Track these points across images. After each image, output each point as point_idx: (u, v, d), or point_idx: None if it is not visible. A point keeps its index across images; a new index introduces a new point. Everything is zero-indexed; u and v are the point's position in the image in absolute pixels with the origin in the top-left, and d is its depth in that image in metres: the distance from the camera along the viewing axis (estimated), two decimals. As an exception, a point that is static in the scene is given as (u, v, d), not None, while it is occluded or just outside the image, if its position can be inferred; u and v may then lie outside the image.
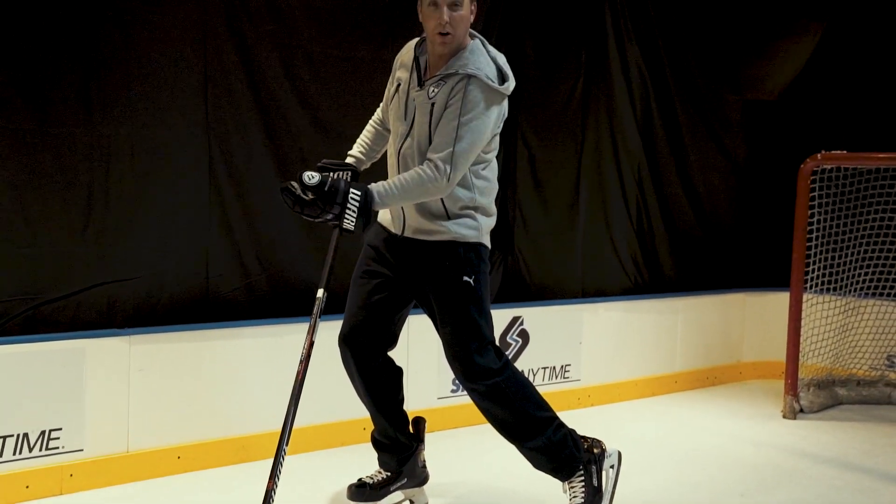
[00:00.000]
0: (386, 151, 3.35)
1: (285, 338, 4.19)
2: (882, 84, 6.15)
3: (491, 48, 3.17)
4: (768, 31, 6.38)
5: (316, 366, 4.34)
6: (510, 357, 4.95)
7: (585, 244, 5.65)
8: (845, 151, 5.23)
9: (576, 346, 5.36)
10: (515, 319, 5.02)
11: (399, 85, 3.19)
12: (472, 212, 3.17)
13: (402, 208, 3.18)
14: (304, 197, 2.96)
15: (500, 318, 4.83)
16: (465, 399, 4.77)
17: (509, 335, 5.01)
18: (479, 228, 3.19)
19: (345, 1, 4.53)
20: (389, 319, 3.29)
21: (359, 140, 3.43)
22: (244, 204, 4.26)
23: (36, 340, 3.58)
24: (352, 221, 2.97)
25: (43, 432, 3.54)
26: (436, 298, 3.18)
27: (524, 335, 5.05)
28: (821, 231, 5.39)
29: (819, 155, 5.19)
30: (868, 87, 6.19)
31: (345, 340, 3.31)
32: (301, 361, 3.11)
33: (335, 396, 4.26)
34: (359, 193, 2.96)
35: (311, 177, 2.94)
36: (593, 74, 5.62)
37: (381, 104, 3.38)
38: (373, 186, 3.01)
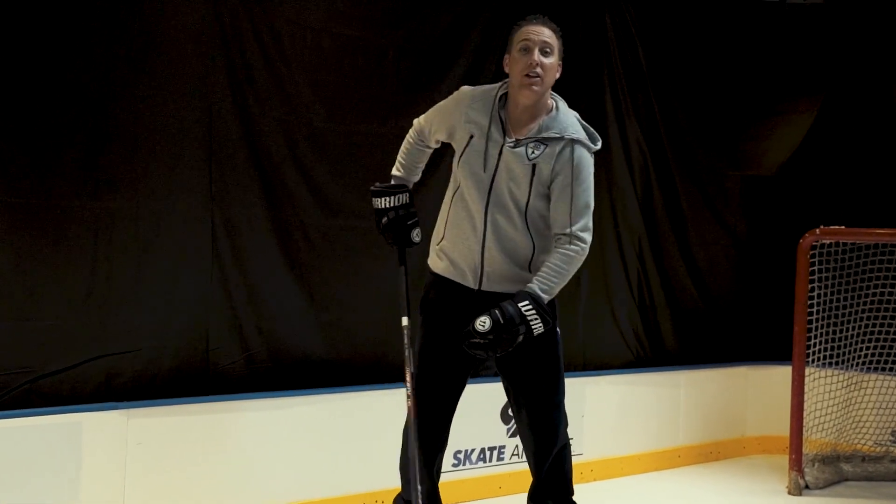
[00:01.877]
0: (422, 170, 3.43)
1: (286, 410, 4.16)
2: (879, 159, 6.21)
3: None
4: (766, 107, 6.48)
5: (311, 440, 4.32)
6: (510, 431, 4.94)
7: (587, 317, 5.64)
8: (844, 227, 5.26)
9: (578, 420, 5.30)
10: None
11: (472, 136, 3.11)
12: None
13: (482, 259, 3.12)
14: (491, 340, 2.95)
15: (502, 391, 4.79)
16: (465, 474, 4.74)
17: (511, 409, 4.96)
18: None
19: (349, 77, 4.62)
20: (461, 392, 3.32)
21: (401, 161, 3.39)
22: (245, 276, 4.27)
23: (33, 414, 3.54)
24: (539, 326, 3.00)
25: (37, 508, 3.49)
26: (527, 348, 3.10)
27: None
28: (822, 305, 5.38)
29: (818, 230, 5.22)
30: (866, 162, 6.25)
31: (427, 429, 3.24)
32: (409, 396, 3.14)
33: (332, 470, 4.23)
34: (527, 303, 2.97)
35: (483, 323, 2.95)
36: (593, 149, 5.68)
37: (424, 124, 3.30)
38: (533, 287, 3.01)
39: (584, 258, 3.10)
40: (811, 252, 5.27)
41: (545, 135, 3.05)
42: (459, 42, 5.04)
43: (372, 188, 3.34)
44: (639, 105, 5.92)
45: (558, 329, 3.25)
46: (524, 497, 4.64)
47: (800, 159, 6.43)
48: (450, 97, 3.25)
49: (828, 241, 5.33)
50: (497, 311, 2.94)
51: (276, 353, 4.35)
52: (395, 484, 4.45)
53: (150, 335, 3.98)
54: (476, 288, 3.16)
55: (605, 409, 5.48)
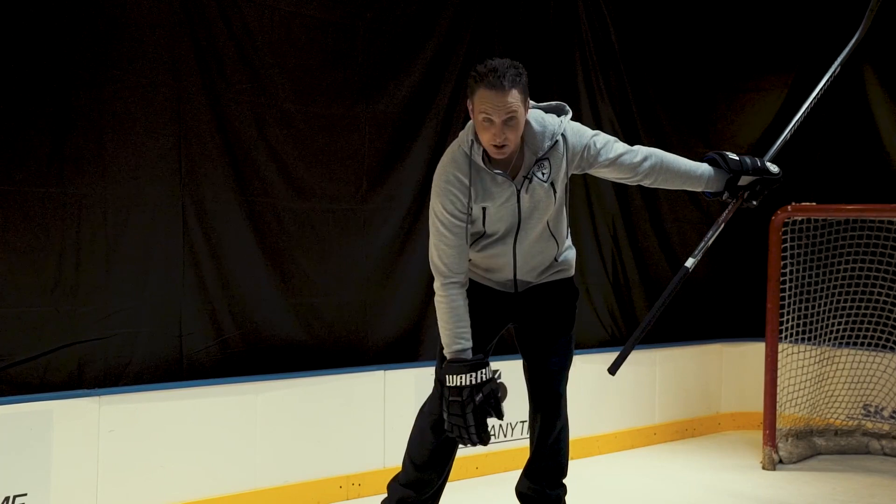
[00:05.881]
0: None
1: (260, 395, 4.15)
2: (849, 136, 6.25)
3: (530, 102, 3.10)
4: (737, 85, 6.49)
5: (287, 424, 4.31)
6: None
7: (561, 297, 5.65)
8: (815, 203, 5.30)
9: (554, 400, 5.31)
10: (493, 373, 4.97)
11: (486, 208, 3.05)
12: (568, 239, 3.36)
13: (514, 276, 3.22)
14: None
15: (477, 372, 4.80)
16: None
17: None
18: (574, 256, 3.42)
19: (319, 59, 4.58)
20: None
21: (458, 326, 3.08)
22: (217, 261, 4.24)
23: (2, 403, 3.51)
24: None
25: (7, 498, 3.45)
26: (554, 326, 3.32)
27: (503, 388, 5.01)
28: (794, 281, 5.42)
29: (789, 206, 5.25)
30: (836, 140, 6.29)
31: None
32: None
33: (310, 454, 4.22)
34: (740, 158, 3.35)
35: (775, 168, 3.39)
36: (566, 129, 5.68)
37: (450, 256, 3.03)
38: (720, 161, 3.35)
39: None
40: (783, 229, 5.31)
41: (541, 155, 3.05)
42: (430, 24, 5.01)
43: (446, 365, 3.04)
44: (611, 84, 5.92)
45: (576, 307, 3.45)
46: (500, 478, 4.67)
47: (771, 137, 6.44)
48: (436, 201, 3.04)
49: (799, 218, 5.37)
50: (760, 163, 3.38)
51: (249, 337, 4.33)
52: (373, 466, 4.47)
53: (121, 322, 3.94)
54: (513, 292, 3.26)
55: (581, 389, 5.49)
